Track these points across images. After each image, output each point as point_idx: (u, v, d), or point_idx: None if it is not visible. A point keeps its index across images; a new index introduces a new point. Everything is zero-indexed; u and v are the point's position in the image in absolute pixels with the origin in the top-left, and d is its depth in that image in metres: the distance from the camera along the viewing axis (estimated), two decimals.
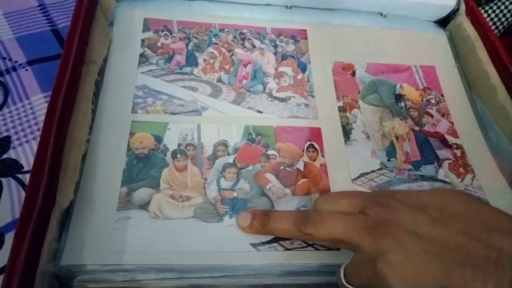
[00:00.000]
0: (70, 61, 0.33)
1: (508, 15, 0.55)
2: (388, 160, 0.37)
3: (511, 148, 0.38)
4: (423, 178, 0.37)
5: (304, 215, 0.29)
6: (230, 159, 0.35)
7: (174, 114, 0.37)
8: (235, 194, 0.34)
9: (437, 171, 0.37)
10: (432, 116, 0.41)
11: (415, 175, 0.37)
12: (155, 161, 0.35)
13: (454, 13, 0.49)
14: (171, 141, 0.36)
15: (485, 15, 0.55)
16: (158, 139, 0.36)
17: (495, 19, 0.56)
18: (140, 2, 0.43)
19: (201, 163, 0.35)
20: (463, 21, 0.47)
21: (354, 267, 0.27)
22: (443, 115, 0.41)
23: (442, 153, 0.39)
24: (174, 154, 0.35)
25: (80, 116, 0.33)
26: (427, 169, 0.37)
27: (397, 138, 0.39)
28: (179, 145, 0.36)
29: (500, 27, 0.56)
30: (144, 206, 0.32)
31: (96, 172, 0.33)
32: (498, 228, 0.25)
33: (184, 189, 0.33)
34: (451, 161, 0.38)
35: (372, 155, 0.37)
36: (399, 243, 0.25)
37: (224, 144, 0.36)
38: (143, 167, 0.34)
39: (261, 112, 0.39)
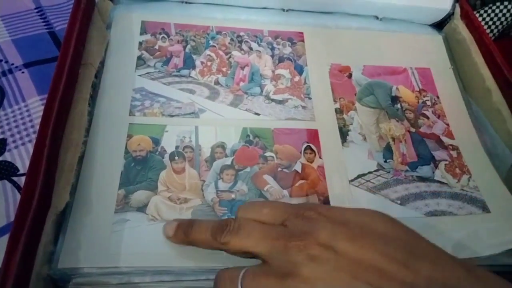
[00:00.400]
0: (67, 63, 0.33)
1: (502, 18, 0.56)
2: (385, 161, 0.37)
3: (506, 150, 0.39)
4: (420, 179, 0.37)
5: (222, 223, 0.27)
6: (228, 161, 0.35)
7: (172, 116, 0.37)
8: (233, 195, 0.34)
9: (433, 172, 0.38)
10: (428, 117, 0.41)
11: (412, 176, 0.37)
12: (153, 163, 0.34)
13: (449, 16, 0.49)
14: (168, 144, 0.36)
15: (480, 18, 0.56)
16: (156, 142, 0.36)
17: (490, 23, 0.56)
18: (137, 5, 0.43)
19: (199, 165, 0.35)
20: (458, 24, 0.47)
21: (257, 279, 0.25)
22: (438, 117, 0.41)
23: (438, 154, 0.39)
24: (171, 156, 0.35)
25: (77, 118, 0.33)
26: (424, 170, 0.38)
27: (393, 139, 0.39)
28: (176, 147, 0.36)
29: (495, 30, 0.57)
30: (142, 208, 0.32)
31: (94, 174, 0.33)
32: (418, 252, 0.24)
33: (182, 191, 0.33)
34: (447, 162, 0.38)
35: (369, 157, 0.38)
36: (312, 257, 0.23)
37: (222, 146, 0.36)
38: (140, 170, 0.34)
39: (258, 114, 0.39)
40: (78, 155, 0.32)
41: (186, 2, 0.44)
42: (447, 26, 0.49)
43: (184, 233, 0.29)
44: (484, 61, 0.43)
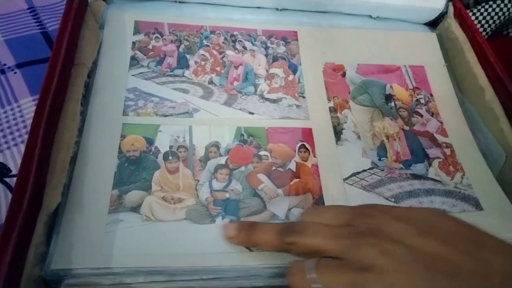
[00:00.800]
0: (58, 63, 0.33)
1: (495, 17, 0.56)
2: (379, 160, 0.38)
3: (499, 148, 0.39)
4: (414, 176, 0.37)
5: (288, 226, 0.29)
6: (222, 160, 0.35)
7: (166, 116, 0.37)
8: (227, 195, 0.33)
9: (427, 170, 0.38)
10: (421, 115, 0.41)
11: (406, 174, 0.37)
12: (147, 163, 0.34)
13: (443, 15, 0.49)
14: (162, 143, 0.35)
15: (473, 17, 0.56)
16: (150, 141, 0.35)
17: (483, 22, 0.56)
18: (130, 5, 0.43)
19: (193, 165, 0.35)
20: (452, 23, 0.47)
21: (332, 270, 0.25)
22: (432, 115, 0.41)
23: (432, 152, 0.39)
24: (165, 156, 0.35)
25: (69, 118, 0.33)
26: (418, 168, 0.38)
27: (387, 137, 0.39)
28: (170, 147, 0.35)
29: (488, 29, 0.57)
30: (136, 208, 0.32)
31: (87, 174, 0.32)
32: (486, 245, 0.25)
33: (176, 191, 0.33)
34: (441, 160, 0.38)
35: (363, 155, 0.38)
36: (385, 252, 0.24)
37: (216, 145, 0.36)
38: (134, 170, 0.34)
39: (252, 114, 0.39)
40: (70, 155, 0.31)
41: (179, 2, 0.44)
42: (441, 25, 0.49)
43: (246, 234, 0.29)
44: (477, 59, 0.43)
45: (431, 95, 0.43)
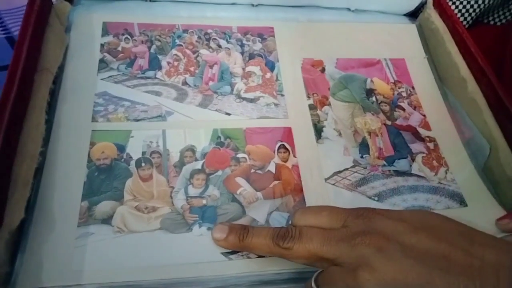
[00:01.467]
0: (18, 69, 0.31)
1: (475, 5, 0.55)
2: (361, 157, 0.36)
3: (483, 141, 0.38)
4: (397, 173, 0.36)
5: (283, 230, 0.28)
6: (198, 165, 0.34)
7: (137, 120, 0.36)
8: (204, 201, 0.32)
9: (410, 166, 0.37)
10: (404, 109, 0.40)
11: (389, 170, 0.36)
12: (118, 171, 0.33)
13: (422, 6, 0.48)
14: (134, 150, 0.34)
15: (453, 6, 0.55)
16: (121, 148, 0.34)
17: (463, 10, 0.56)
18: (98, 6, 0.41)
19: (167, 171, 0.33)
20: (431, 13, 0.46)
21: (330, 277, 0.26)
22: (414, 108, 0.40)
23: (415, 146, 0.38)
24: (138, 163, 0.33)
25: (32, 128, 0.31)
26: (401, 164, 0.36)
27: (369, 133, 0.38)
28: (143, 153, 0.34)
29: (468, 18, 0.57)
30: (107, 220, 0.30)
31: (54, 186, 0.31)
32: (478, 240, 0.25)
33: (150, 199, 0.31)
34: (424, 155, 0.37)
35: (344, 153, 0.36)
36: (380, 249, 0.24)
37: (192, 149, 0.35)
38: (105, 179, 0.32)
39: (229, 114, 0.37)
40: (34, 167, 0.29)
41: (150, 1, 0.42)
42: (421, 15, 0.48)
43: (238, 237, 0.29)
44: (458, 50, 0.42)
45: (413, 88, 0.42)
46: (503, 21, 0.58)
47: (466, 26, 0.57)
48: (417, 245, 0.25)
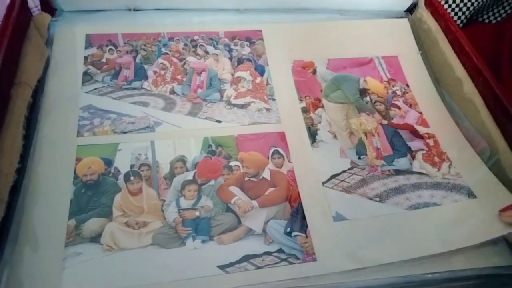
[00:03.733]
0: None
1: (469, 4, 0.54)
2: (359, 158, 0.35)
3: (483, 143, 0.36)
4: (398, 172, 0.35)
5: None
6: (190, 176, 0.32)
7: (125, 133, 0.34)
8: (197, 213, 0.30)
9: (411, 164, 0.35)
10: (399, 108, 0.39)
11: (389, 170, 0.35)
12: (106, 187, 0.31)
13: (414, 6, 0.47)
14: (122, 163, 0.32)
15: (446, 6, 0.54)
16: (108, 163, 0.32)
17: (457, 9, 0.55)
18: (80, 17, 0.40)
19: (158, 184, 0.32)
20: (423, 13, 0.45)
21: None
22: (410, 106, 0.39)
23: (415, 144, 0.37)
24: (126, 177, 0.32)
25: (8, 144, 0.29)
26: (401, 163, 0.35)
27: (365, 134, 0.36)
28: (132, 166, 0.32)
29: (462, 17, 0.56)
30: (96, 238, 0.28)
31: (39, 205, 0.29)
32: None
33: (140, 214, 0.30)
34: (424, 152, 0.36)
35: (341, 155, 0.35)
36: None
37: (182, 160, 0.33)
38: (92, 195, 0.30)
39: (220, 122, 0.36)
40: (9, 185, 0.28)
41: (134, 10, 0.41)
42: (413, 16, 0.47)
43: None
44: (453, 49, 0.41)
45: (407, 86, 0.41)
46: (498, 18, 0.58)
47: (461, 25, 0.56)
48: None
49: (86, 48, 0.38)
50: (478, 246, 0.30)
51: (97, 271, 0.27)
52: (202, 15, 0.42)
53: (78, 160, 0.32)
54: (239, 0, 0.43)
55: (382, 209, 0.32)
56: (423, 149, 0.36)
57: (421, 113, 0.39)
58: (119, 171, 0.32)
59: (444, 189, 0.34)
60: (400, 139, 0.37)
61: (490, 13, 0.57)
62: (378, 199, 0.33)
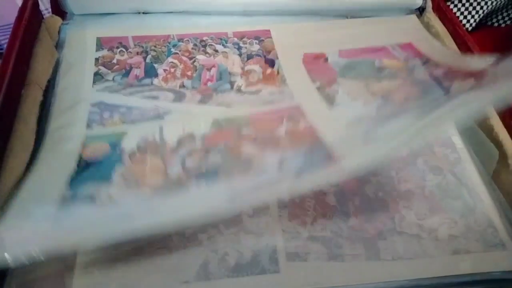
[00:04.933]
0: (4, 84, 0.30)
1: (478, 7, 0.54)
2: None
3: (491, 146, 0.32)
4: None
5: None
6: (198, 145, 0.30)
7: (134, 123, 0.33)
8: (203, 169, 0.27)
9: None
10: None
11: None
12: (109, 162, 0.29)
13: (422, 10, 0.47)
14: (128, 145, 0.30)
15: (455, 9, 0.54)
16: (114, 146, 0.30)
17: (466, 13, 0.54)
18: (91, 20, 0.41)
19: (164, 155, 0.29)
20: (431, 17, 0.45)
21: None
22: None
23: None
24: (131, 152, 0.29)
25: (17, 142, 0.28)
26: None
27: (389, 92, 0.33)
28: (138, 146, 0.30)
29: (472, 21, 0.55)
30: (92, 200, 0.25)
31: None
32: None
33: (142, 177, 0.27)
34: None
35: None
36: None
37: (190, 135, 0.31)
38: (94, 170, 0.28)
39: (231, 106, 0.34)
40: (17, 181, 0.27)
41: (143, 13, 0.43)
42: (420, 20, 0.47)
43: None
44: (461, 53, 0.39)
45: (428, 59, 0.38)
46: (508, 22, 0.57)
47: (470, 29, 0.55)
48: None
49: (97, 50, 0.39)
50: (486, 250, 0.27)
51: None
52: (209, 18, 0.43)
53: (84, 147, 0.30)
54: (246, 4, 0.44)
55: None
56: None
57: None
58: (124, 151, 0.30)
59: None
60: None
61: (500, 17, 0.57)
62: None
